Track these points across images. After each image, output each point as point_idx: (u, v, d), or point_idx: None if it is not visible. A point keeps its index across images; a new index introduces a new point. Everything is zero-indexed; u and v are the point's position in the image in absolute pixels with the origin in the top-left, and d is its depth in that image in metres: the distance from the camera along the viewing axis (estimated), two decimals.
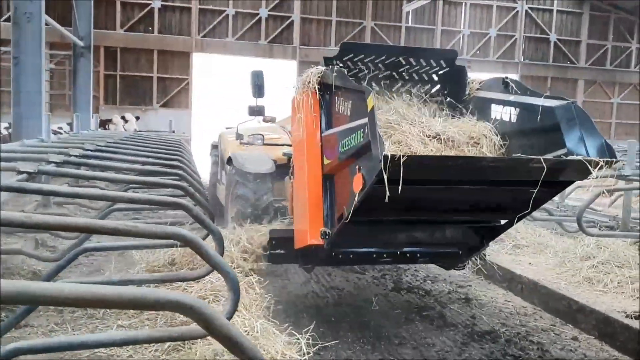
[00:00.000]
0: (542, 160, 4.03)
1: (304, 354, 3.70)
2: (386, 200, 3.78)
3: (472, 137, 4.92)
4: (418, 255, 5.65)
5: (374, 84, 5.85)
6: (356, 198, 4.23)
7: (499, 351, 4.98)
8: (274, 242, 5.72)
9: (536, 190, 4.24)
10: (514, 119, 4.94)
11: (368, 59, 5.76)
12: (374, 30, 25.51)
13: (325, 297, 6.30)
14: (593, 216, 9.01)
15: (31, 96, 9.32)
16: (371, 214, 4.64)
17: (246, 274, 5.60)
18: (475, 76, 5.87)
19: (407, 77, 5.96)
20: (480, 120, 5.22)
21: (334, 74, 4.95)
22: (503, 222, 5.28)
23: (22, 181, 3.97)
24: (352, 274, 7.26)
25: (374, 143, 3.86)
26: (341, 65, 5.62)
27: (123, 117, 20.26)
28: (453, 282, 7.05)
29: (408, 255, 5.61)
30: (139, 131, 17.19)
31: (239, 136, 7.99)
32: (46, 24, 10.15)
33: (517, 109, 4.91)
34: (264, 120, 8.95)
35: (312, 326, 4.26)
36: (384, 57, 5.78)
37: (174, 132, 17.25)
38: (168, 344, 3.38)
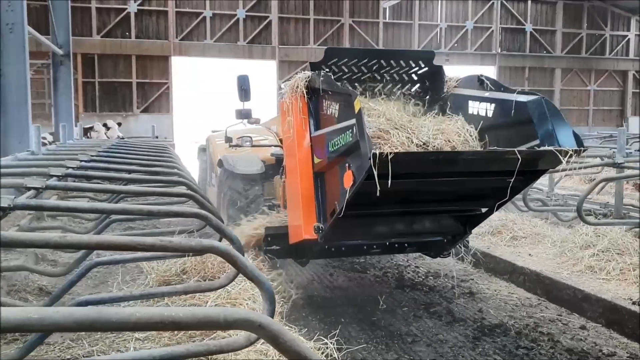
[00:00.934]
0: (516, 151, 4.38)
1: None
2: (377, 194, 4.09)
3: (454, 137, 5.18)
4: (406, 245, 6.19)
5: (357, 85, 6.20)
6: (347, 194, 4.54)
7: (511, 344, 5.01)
8: (269, 239, 6.05)
9: (512, 179, 4.60)
10: (489, 114, 5.26)
11: (351, 63, 6.13)
12: (352, 27, 25.54)
13: (330, 298, 6.30)
14: (585, 204, 9.09)
15: (17, 108, 9.18)
16: (361, 208, 4.91)
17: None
18: (453, 74, 6.17)
19: (388, 78, 6.32)
20: (458, 118, 5.50)
21: (321, 78, 5.25)
22: (484, 210, 5.57)
23: (30, 197, 3.91)
24: (353, 273, 7.28)
25: (363, 142, 4.19)
26: (327, 69, 5.80)
27: (105, 125, 20.05)
28: (455, 277, 7.08)
29: (396, 245, 6.15)
30: (123, 138, 17.02)
31: (228, 139, 8.07)
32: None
33: (493, 105, 5.22)
34: (249, 122, 9.14)
35: (337, 330, 4.26)
36: (365, 60, 6.15)
37: (157, 137, 17.12)
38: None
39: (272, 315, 2.65)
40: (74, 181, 4.83)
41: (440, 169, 4.61)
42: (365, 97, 6.04)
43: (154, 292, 3.53)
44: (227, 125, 8.17)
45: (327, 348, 3.82)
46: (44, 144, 11.87)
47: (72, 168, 5.01)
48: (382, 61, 6.19)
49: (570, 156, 4.45)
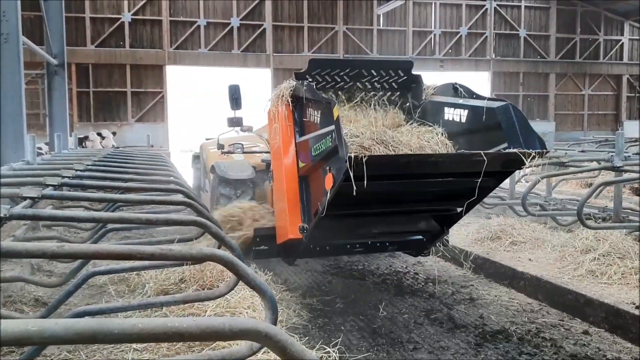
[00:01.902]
0: (482, 154, 4.73)
1: None
2: (354, 194, 4.38)
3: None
4: (387, 244, 6.49)
5: (340, 94, 6.58)
6: (328, 195, 4.91)
7: (514, 350, 4.96)
8: (258, 239, 6.40)
9: (479, 179, 4.90)
10: (463, 120, 5.65)
11: (334, 72, 6.46)
12: (346, 34, 25.59)
13: (330, 306, 6.23)
14: (584, 208, 9.05)
15: (12, 118, 9.11)
16: (342, 208, 5.26)
17: None
18: (431, 82, 6.58)
19: (370, 86, 6.65)
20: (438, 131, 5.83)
21: (304, 87, 5.60)
22: (459, 210, 5.80)
23: (27, 207, 3.85)
24: (352, 280, 7.22)
25: (340, 146, 4.50)
26: (310, 79, 6.23)
27: (99, 134, 19.95)
28: (455, 283, 7.04)
29: (378, 244, 6.46)
30: (117, 147, 16.95)
31: (220, 146, 8.50)
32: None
33: (466, 111, 5.62)
34: (242, 130, 9.64)
35: (339, 339, 4.20)
36: (347, 70, 6.50)
37: (152, 146, 17.07)
38: None
39: (274, 324, 2.60)
40: (70, 190, 4.78)
41: (412, 171, 4.95)
42: (344, 105, 6.43)
43: (153, 301, 3.47)
44: (219, 133, 8.54)
45: (329, 357, 3.76)
46: (39, 154, 11.80)
47: (68, 177, 4.95)
48: (363, 71, 6.52)
49: (533, 158, 4.78)
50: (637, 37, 30.61)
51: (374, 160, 4.45)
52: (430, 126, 5.91)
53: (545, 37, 28.84)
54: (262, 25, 24.58)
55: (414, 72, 6.66)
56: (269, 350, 3.54)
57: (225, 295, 4.48)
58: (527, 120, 5.05)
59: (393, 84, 6.65)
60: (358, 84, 6.59)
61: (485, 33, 27.71)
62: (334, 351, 3.81)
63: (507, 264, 7.01)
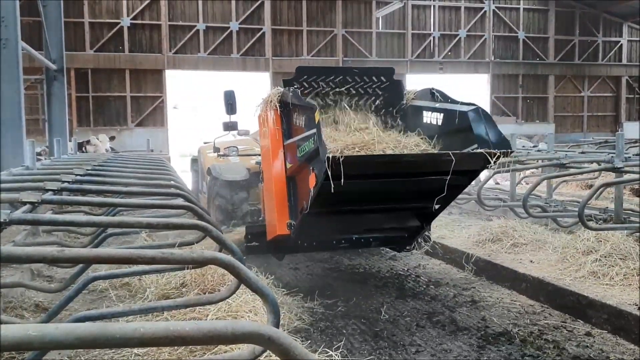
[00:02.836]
0: (450, 154, 5.15)
1: None
2: (332, 191, 4.73)
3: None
4: (371, 240, 6.81)
5: (326, 99, 6.90)
6: (312, 193, 5.29)
7: (517, 352, 4.94)
8: (249, 236, 6.83)
9: (448, 177, 5.29)
10: (440, 123, 6.12)
11: (320, 79, 6.86)
12: (345, 37, 25.61)
13: (331, 309, 6.21)
14: (585, 210, 9.03)
15: (12, 123, 9.09)
16: (325, 206, 5.63)
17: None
18: (411, 87, 7.11)
19: (354, 92, 7.00)
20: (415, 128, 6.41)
21: (291, 94, 6.02)
22: (437, 206, 6.13)
23: (27, 212, 3.83)
24: (354, 284, 7.20)
25: (322, 148, 4.90)
26: (298, 86, 6.62)
27: (97, 138, 19.90)
28: (457, 285, 7.02)
29: (362, 240, 6.75)
30: (116, 151, 16.93)
31: (216, 149, 8.88)
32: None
33: (441, 114, 6.09)
34: (239, 134, 10.05)
35: (341, 342, 4.18)
36: (332, 77, 6.90)
37: (152, 151, 17.04)
38: None
39: (277, 327, 2.58)
40: (70, 195, 4.76)
41: (387, 170, 5.38)
42: (331, 109, 6.81)
43: (154, 306, 3.45)
44: (216, 136, 8.96)
45: None
46: (39, 159, 11.77)
47: (68, 182, 4.94)
48: (348, 77, 6.93)
49: (498, 157, 5.26)
50: (636, 39, 30.64)
51: (350, 160, 4.83)
52: (412, 131, 6.39)
53: (544, 39, 28.87)
54: (261, 29, 24.59)
55: (396, 77, 7.18)
56: (272, 354, 3.52)
57: (227, 299, 4.47)
58: (494, 123, 5.54)
59: (376, 89, 7.04)
60: (343, 89, 6.95)
61: (484, 35, 27.73)
62: (336, 355, 3.79)
63: (508, 266, 6.99)
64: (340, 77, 6.91)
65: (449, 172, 5.22)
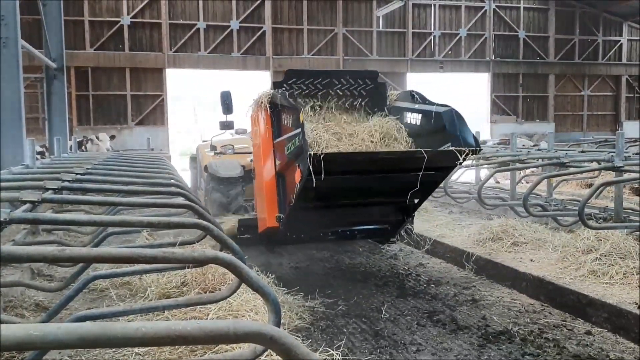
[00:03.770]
0: (422, 151, 5.60)
1: None
2: (313, 185, 5.16)
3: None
4: (356, 232, 7.16)
5: (314, 100, 7.24)
6: (297, 187, 5.67)
7: (517, 351, 4.94)
8: (242, 229, 7.43)
9: (421, 173, 5.70)
10: (418, 123, 6.52)
11: (308, 81, 7.25)
12: (345, 36, 25.57)
13: (332, 308, 6.21)
14: (585, 209, 9.03)
15: (12, 122, 9.09)
16: (310, 200, 5.98)
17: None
18: (393, 90, 7.62)
19: (340, 93, 7.38)
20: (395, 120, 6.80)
21: (279, 95, 6.39)
22: (416, 201, 6.57)
23: (27, 211, 3.83)
24: (354, 283, 7.20)
25: (305, 145, 5.30)
26: (287, 87, 7.05)
27: (97, 137, 19.88)
28: (457, 284, 7.02)
29: (348, 233, 7.08)
30: (117, 150, 16.93)
31: (213, 148, 9.52)
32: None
33: (420, 115, 6.49)
34: (237, 132, 10.70)
35: (342, 342, 4.18)
36: (320, 79, 7.29)
37: (152, 149, 17.04)
38: None
39: (278, 326, 2.58)
40: (70, 194, 4.76)
41: (366, 167, 5.79)
42: (318, 109, 7.15)
43: (155, 305, 3.45)
44: (213, 135, 9.61)
45: (333, 359, 3.74)
46: (39, 158, 11.76)
47: (68, 181, 4.94)
48: (334, 80, 7.33)
49: (467, 155, 5.68)
50: (636, 38, 30.61)
51: (330, 157, 5.22)
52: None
53: (545, 38, 28.85)
54: (262, 27, 24.56)
55: (380, 80, 7.63)
56: (272, 353, 3.52)
57: (228, 298, 4.47)
58: (466, 123, 5.90)
59: (362, 91, 7.43)
60: (330, 91, 7.33)
61: (484, 34, 27.71)
62: (337, 354, 3.79)
63: (509, 264, 6.99)
64: (328, 79, 7.31)
65: (421, 168, 5.63)
